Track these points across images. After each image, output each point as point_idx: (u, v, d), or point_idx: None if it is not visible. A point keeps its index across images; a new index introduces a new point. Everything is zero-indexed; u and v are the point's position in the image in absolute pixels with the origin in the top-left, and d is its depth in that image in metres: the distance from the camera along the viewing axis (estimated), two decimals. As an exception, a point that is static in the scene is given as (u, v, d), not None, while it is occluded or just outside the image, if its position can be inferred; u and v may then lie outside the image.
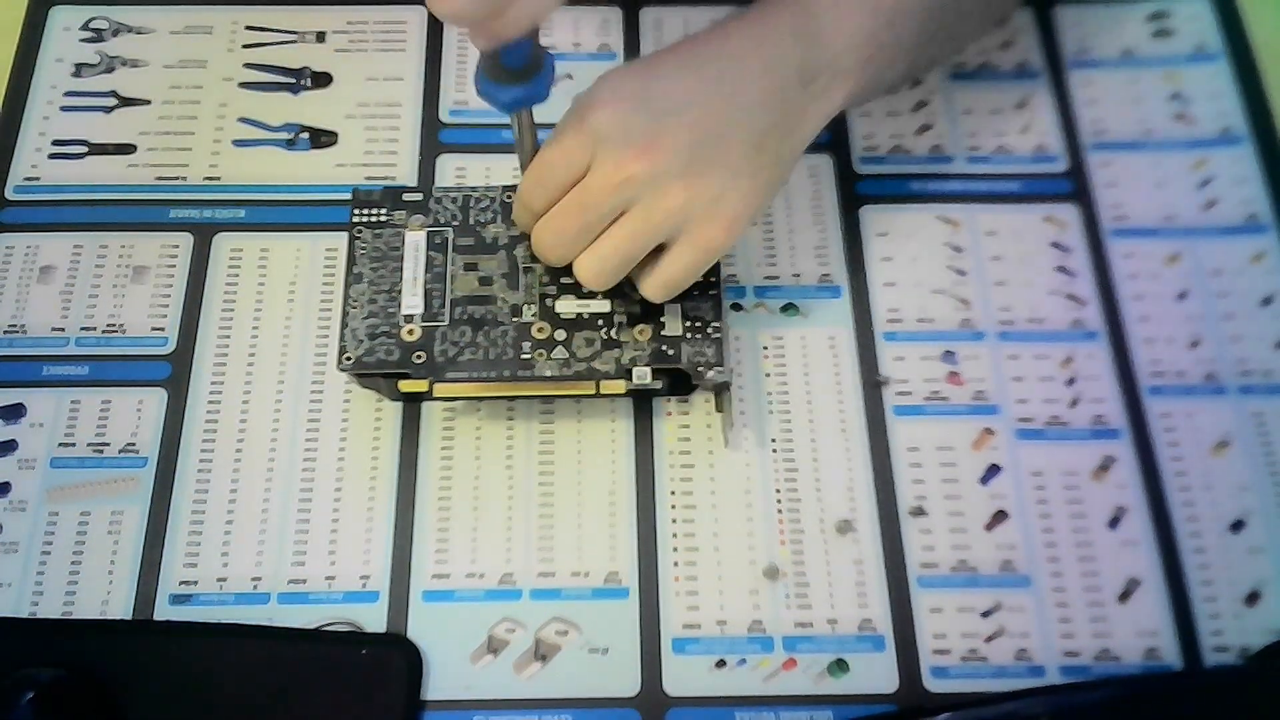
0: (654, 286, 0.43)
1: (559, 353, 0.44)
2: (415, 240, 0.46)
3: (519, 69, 0.39)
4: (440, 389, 0.44)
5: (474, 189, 0.48)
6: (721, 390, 0.46)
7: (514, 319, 0.45)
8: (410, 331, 0.45)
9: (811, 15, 0.43)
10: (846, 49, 0.43)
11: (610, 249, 0.42)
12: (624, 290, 0.45)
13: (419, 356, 0.44)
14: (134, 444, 0.47)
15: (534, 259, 0.46)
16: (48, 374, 0.48)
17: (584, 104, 0.41)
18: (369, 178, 0.53)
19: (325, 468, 0.47)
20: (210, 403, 0.48)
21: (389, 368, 0.44)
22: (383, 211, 0.47)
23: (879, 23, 0.44)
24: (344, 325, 0.45)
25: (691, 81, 0.42)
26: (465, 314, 0.45)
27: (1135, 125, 0.55)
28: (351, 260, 0.46)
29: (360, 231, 0.47)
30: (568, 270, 0.46)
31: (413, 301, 0.45)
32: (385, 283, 0.46)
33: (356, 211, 0.47)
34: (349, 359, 0.44)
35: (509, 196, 0.47)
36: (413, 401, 0.48)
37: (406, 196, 0.47)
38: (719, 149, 0.41)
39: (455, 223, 0.47)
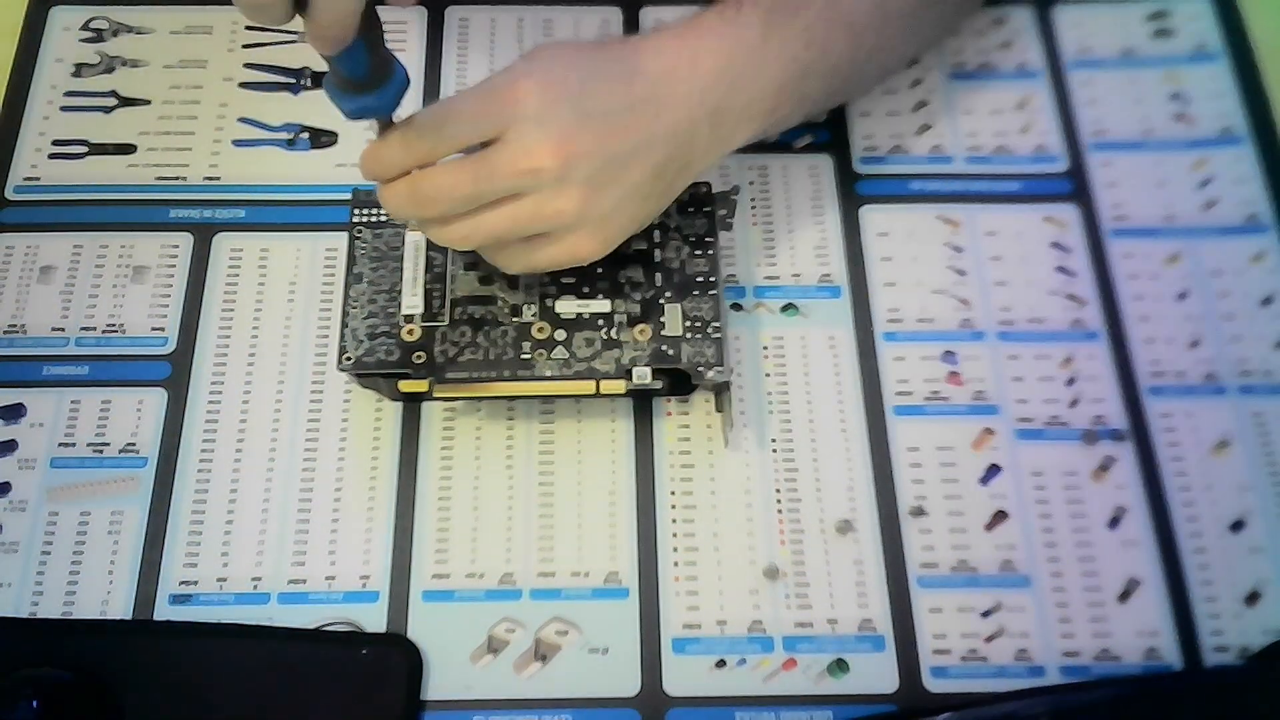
0: (514, 264, 0.43)
1: (559, 353, 0.44)
2: (415, 240, 0.46)
3: (361, 78, 0.38)
4: (440, 389, 0.44)
5: None
6: (721, 390, 0.46)
7: (514, 319, 0.45)
8: (410, 331, 0.45)
9: (735, 57, 0.43)
10: (760, 97, 0.43)
11: (488, 227, 0.41)
12: (624, 291, 0.45)
13: (419, 356, 0.44)
14: (134, 444, 0.47)
15: None
16: (48, 374, 0.48)
17: (516, 72, 0.40)
18: (369, 178, 0.53)
19: (325, 468, 0.47)
20: (210, 403, 0.48)
21: (389, 368, 0.44)
22: (382, 211, 0.47)
23: (794, 75, 0.44)
24: (344, 325, 0.45)
25: (622, 91, 0.41)
26: (465, 314, 0.45)
27: (1135, 125, 0.55)
28: (351, 260, 0.46)
29: (360, 231, 0.47)
30: (568, 270, 0.46)
31: (413, 301, 0.45)
32: (385, 283, 0.46)
33: (356, 211, 0.47)
34: (349, 359, 0.44)
35: None
36: (413, 401, 0.48)
37: None
38: (625, 168, 0.41)
39: None
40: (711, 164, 0.44)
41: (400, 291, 0.45)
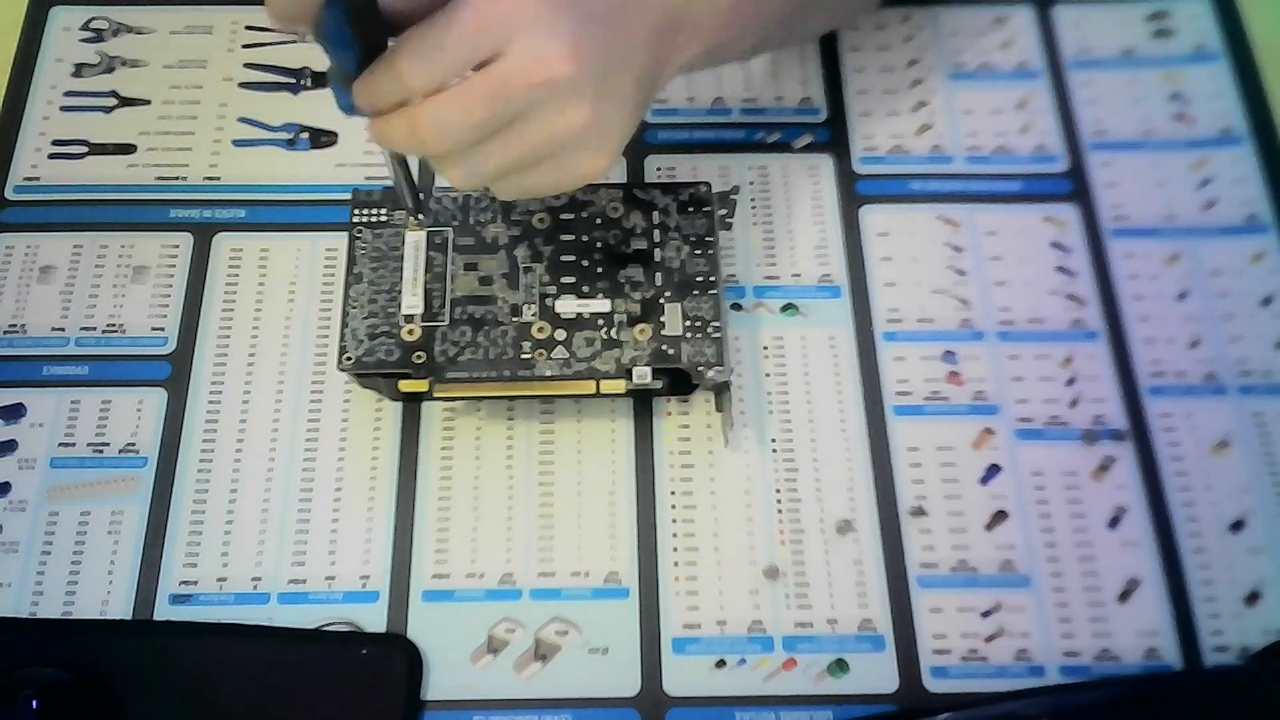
0: (511, 190, 0.39)
1: (559, 352, 0.44)
2: (415, 240, 0.46)
3: (352, 73, 0.36)
4: (440, 389, 0.44)
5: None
6: (721, 390, 0.46)
7: (514, 319, 0.45)
8: (410, 331, 0.45)
9: None
10: (712, 13, 0.41)
11: (500, 153, 0.37)
12: (624, 290, 0.45)
13: (419, 356, 0.44)
14: (134, 444, 0.47)
15: (534, 259, 0.46)
16: (48, 374, 0.48)
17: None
18: (369, 178, 0.53)
19: (325, 468, 0.47)
20: (210, 403, 0.48)
21: (389, 368, 0.44)
22: (383, 211, 0.47)
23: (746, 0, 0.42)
24: (344, 325, 0.45)
25: None
26: (465, 314, 0.45)
27: (1135, 125, 0.55)
28: (351, 260, 0.46)
29: (360, 231, 0.47)
30: (568, 270, 0.46)
31: (413, 301, 0.45)
32: (385, 283, 0.46)
33: (356, 211, 0.47)
34: (349, 359, 0.44)
35: None
36: (413, 401, 0.48)
37: None
38: (620, 74, 0.38)
39: (455, 223, 0.47)
40: (670, 76, 0.42)
41: (400, 291, 0.45)
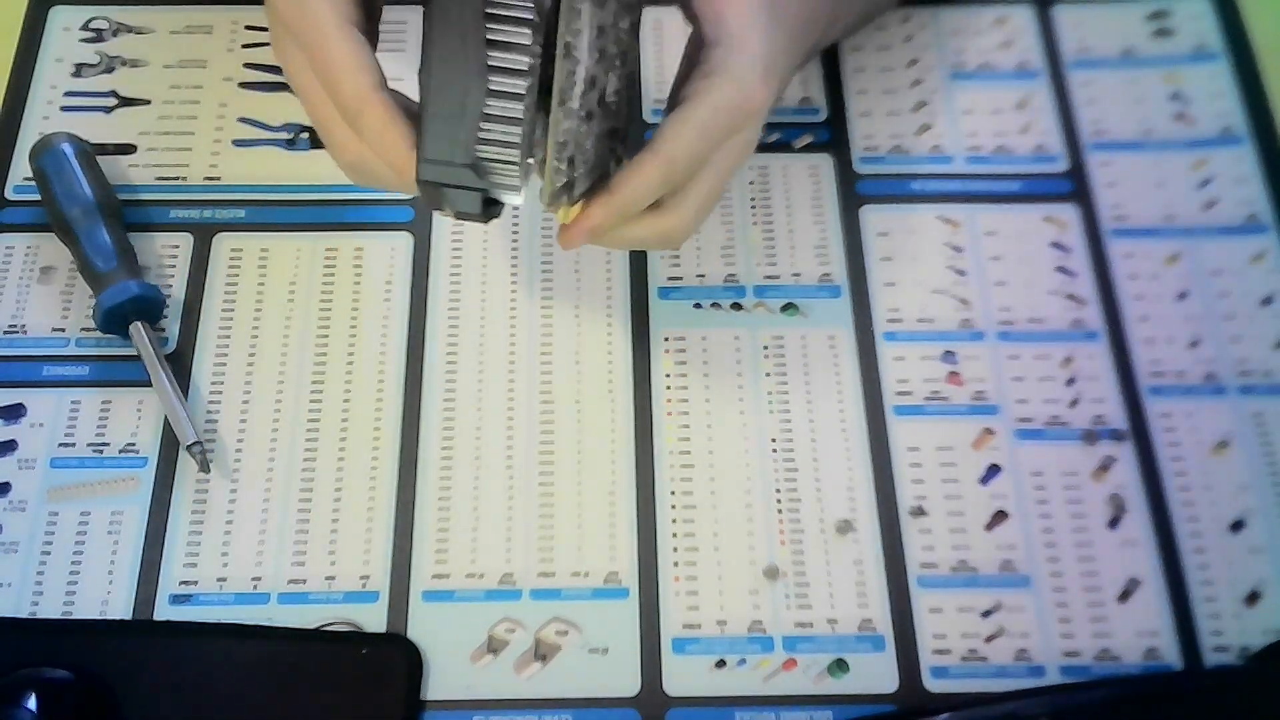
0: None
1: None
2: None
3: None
4: None
5: None
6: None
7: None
8: None
9: None
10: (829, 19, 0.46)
11: (725, 175, 0.41)
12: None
13: None
14: (134, 444, 0.47)
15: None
16: (48, 374, 0.48)
17: (752, 93, 0.39)
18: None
19: (325, 468, 0.47)
20: (210, 403, 0.48)
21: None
22: None
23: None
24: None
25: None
26: None
27: (1135, 125, 0.55)
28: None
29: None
30: None
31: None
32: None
33: None
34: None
35: None
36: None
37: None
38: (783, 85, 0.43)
39: None
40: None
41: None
